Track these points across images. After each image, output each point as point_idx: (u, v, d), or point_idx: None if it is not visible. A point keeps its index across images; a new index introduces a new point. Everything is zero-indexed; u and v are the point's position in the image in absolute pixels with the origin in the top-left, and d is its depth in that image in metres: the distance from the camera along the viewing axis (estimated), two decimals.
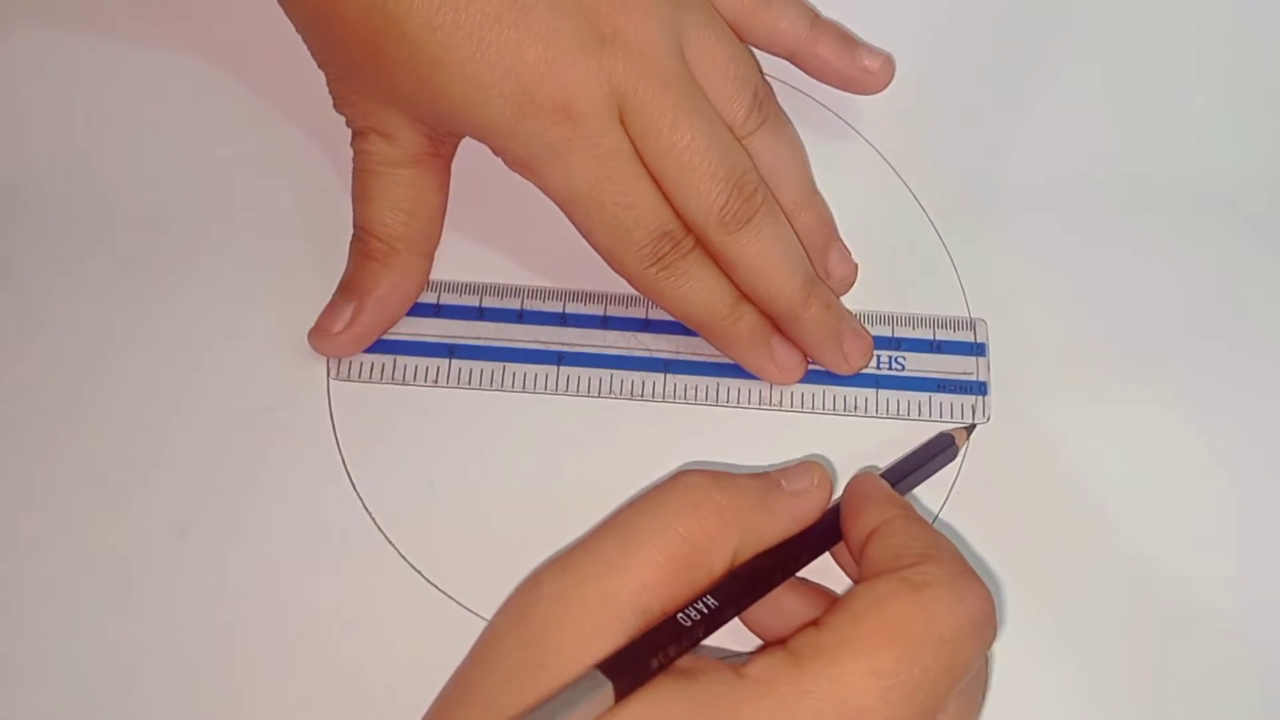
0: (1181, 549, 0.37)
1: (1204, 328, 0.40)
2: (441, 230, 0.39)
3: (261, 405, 0.38)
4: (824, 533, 0.32)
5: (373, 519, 0.37)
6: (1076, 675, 0.36)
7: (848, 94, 0.41)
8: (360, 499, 0.37)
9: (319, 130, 0.41)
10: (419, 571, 0.36)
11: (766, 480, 0.31)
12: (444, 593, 0.36)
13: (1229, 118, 0.44)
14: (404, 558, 0.36)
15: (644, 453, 0.38)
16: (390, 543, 0.37)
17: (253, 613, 0.36)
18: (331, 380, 0.39)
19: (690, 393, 0.39)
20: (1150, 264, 0.41)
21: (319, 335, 0.38)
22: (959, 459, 0.38)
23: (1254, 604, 0.37)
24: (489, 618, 0.35)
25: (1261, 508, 0.38)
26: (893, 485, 0.33)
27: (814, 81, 0.41)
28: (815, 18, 0.40)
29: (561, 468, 0.38)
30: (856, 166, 0.42)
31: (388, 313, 0.38)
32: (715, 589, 0.29)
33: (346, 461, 0.38)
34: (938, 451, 0.36)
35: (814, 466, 0.32)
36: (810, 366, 0.39)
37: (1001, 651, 0.36)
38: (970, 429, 0.38)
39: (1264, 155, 0.43)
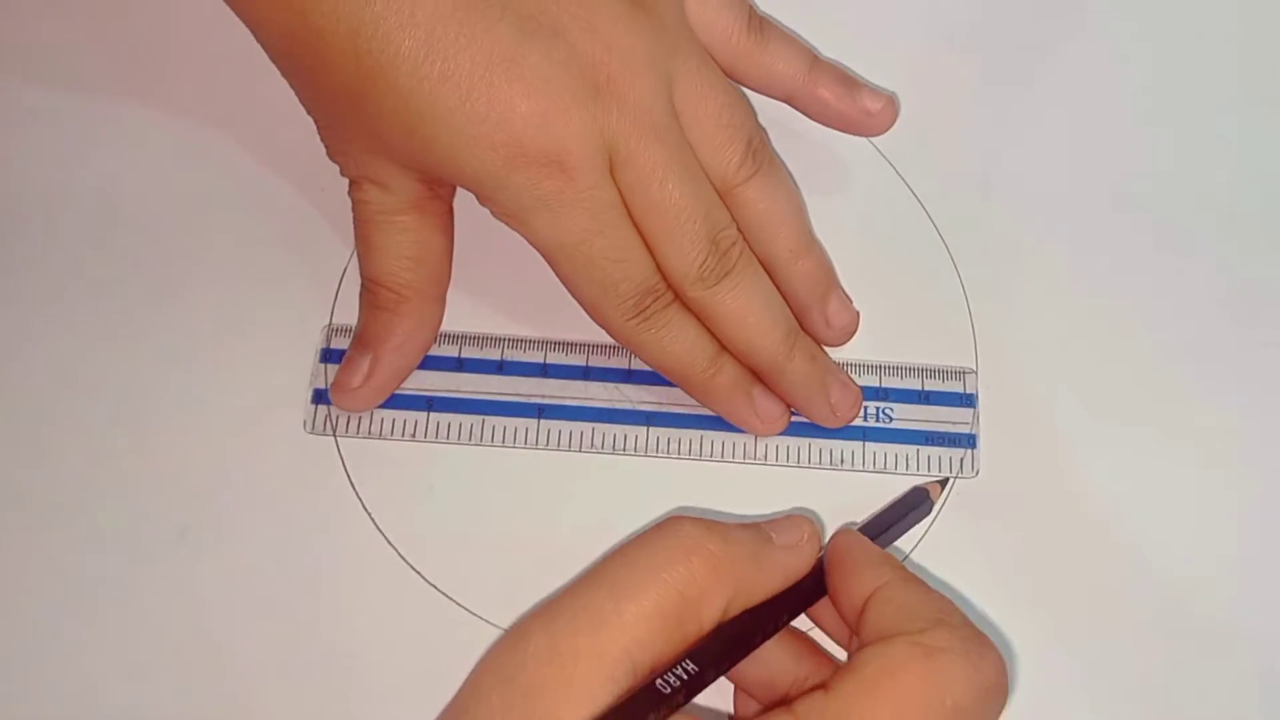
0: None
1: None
2: (451, 270, 0.38)
3: (261, 405, 0.38)
4: (808, 591, 0.31)
5: (372, 519, 0.37)
6: None
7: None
8: (360, 498, 0.37)
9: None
10: (418, 572, 0.36)
11: (759, 532, 0.30)
12: (444, 593, 0.36)
13: (1231, 120, 0.44)
14: (404, 558, 0.36)
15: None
16: (390, 543, 0.37)
17: (252, 612, 0.36)
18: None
19: (674, 446, 0.38)
20: (1166, 285, 0.41)
21: (339, 391, 0.37)
22: (934, 513, 0.37)
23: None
24: (489, 619, 0.36)
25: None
26: None
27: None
28: (814, 59, 0.39)
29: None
30: (858, 169, 0.42)
31: (405, 361, 0.38)
32: (696, 651, 0.28)
33: (346, 461, 0.38)
34: (913, 507, 0.35)
35: (803, 520, 0.31)
36: (795, 419, 0.38)
37: None
38: (944, 483, 0.37)
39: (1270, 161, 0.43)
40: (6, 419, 0.38)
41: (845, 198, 0.42)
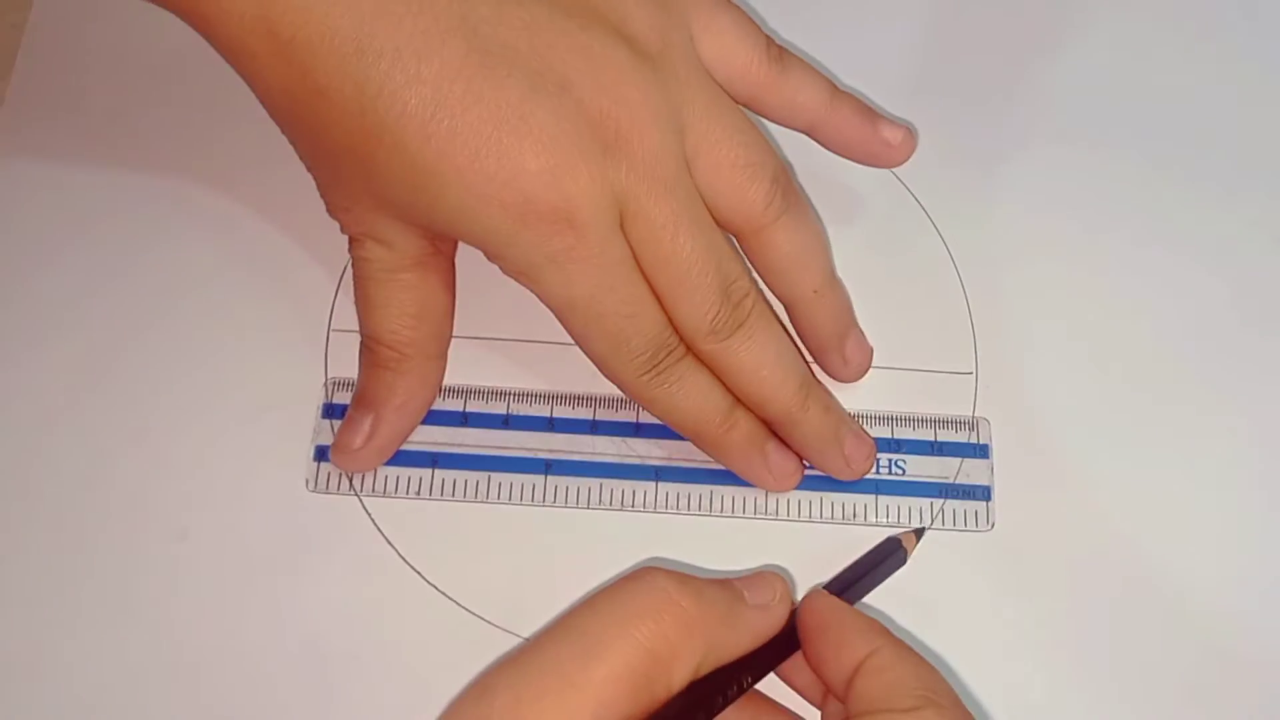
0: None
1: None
2: (452, 326, 0.38)
3: (261, 406, 0.38)
4: (776, 652, 0.30)
5: (372, 520, 0.37)
6: None
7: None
8: (360, 499, 0.37)
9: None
10: (418, 572, 0.36)
11: (731, 590, 0.29)
12: (444, 593, 0.36)
13: (1233, 120, 0.43)
14: (403, 558, 0.36)
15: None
16: (390, 543, 0.36)
17: (253, 614, 0.36)
18: (330, 379, 0.39)
19: (683, 501, 0.37)
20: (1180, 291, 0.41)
21: (340, 452, 0.37)
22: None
23: None
24: (490, 619, 0.35)
25: None
26: (839, 596, 0.31)
27: None
28: (834, 90, 0.38)
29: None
30: (864, 182, 0.42)
31: (407, 420, 0.37)
32: (662, 713, 0.26)
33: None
34: (885, 557, 0.34)
35: (775, 578, 0.30)
36: (808, 472, 0.37)
37: None
38: (919, 533, 0.36)
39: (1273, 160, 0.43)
40: (9, 423, 0.38)
41: (852, 212, 0.41)
